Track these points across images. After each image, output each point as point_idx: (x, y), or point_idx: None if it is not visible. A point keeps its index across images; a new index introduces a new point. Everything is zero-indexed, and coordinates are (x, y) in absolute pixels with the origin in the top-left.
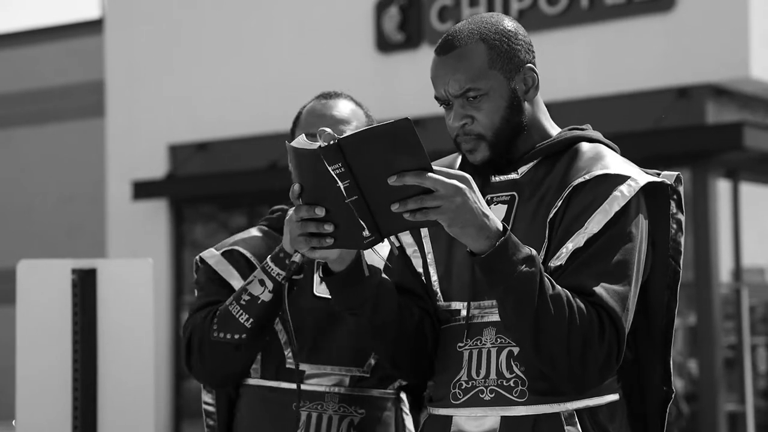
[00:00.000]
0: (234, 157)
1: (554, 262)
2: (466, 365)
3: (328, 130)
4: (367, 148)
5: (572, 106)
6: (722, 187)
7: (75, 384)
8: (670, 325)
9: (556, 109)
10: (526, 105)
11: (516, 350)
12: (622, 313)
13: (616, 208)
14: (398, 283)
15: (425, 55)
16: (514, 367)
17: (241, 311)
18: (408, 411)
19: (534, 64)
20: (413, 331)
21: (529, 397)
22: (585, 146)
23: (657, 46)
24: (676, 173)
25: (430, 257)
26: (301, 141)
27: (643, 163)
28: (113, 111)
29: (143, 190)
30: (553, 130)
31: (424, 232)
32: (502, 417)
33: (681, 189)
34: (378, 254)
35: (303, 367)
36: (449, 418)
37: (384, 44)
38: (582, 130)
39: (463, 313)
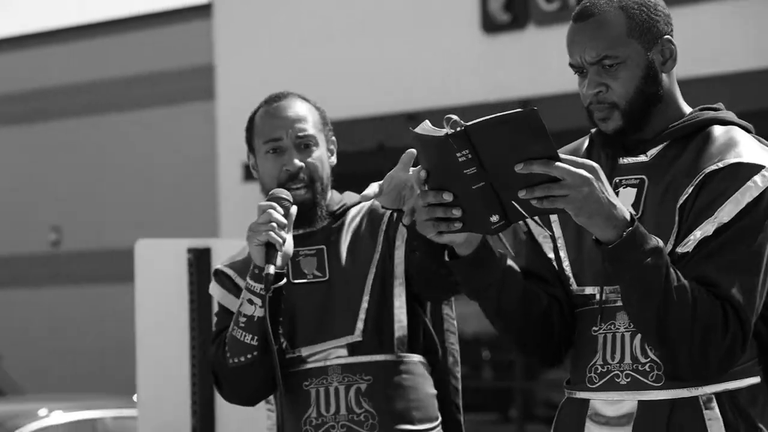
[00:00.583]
0: (342, 138)
1: (681, 249)
2: (600, 349)
3: (455, 117)
4: (495, 135)
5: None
6: None
7: (193, 360)
8: None
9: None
10: (663, 77)
11: None
12: (748, 306)
13: (749, 198)
14: (526, 268)
15: (531, 36)
16: (648, 351)
17: (243, 332)
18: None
19: (672, 37)
20: (540, 316)
21: (666, 381)
22: (718, 130)
23: None
24: None
25: (560, 242)
26: (426, 127)
27: None
28: (222, 94)
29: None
30: (686, 107)
31: (554, 217)
32: (639, 401)
33: None
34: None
35: (302, 350)
36: (586, 401)
37: (490, 25)
38: (714, 110)
39: (597, 297)
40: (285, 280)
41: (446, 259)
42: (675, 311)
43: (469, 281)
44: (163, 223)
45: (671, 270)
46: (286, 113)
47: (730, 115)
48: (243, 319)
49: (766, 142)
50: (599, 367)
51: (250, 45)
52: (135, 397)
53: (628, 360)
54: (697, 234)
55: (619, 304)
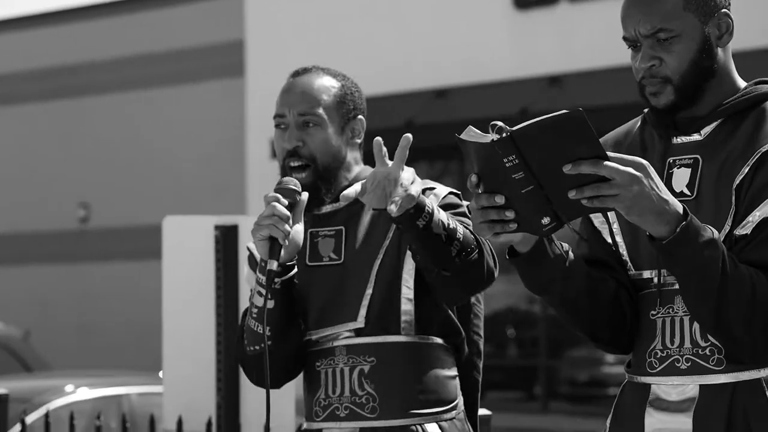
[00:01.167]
0: (371, 115)
1: (739, 231)
2: (660, 333)
3: (500, 123)
4: (541, 139)
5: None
6: None
7: (218, 338)
8: None
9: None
10: (718, 51)
11: None
12: None
13: None
14: (591, 256)
15: (563, 12)
16: (708, 335)
17: (256, 323)
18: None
19: (729, 11)
20: (609, 303)
21: (727, 365)
22: None
23: None
24: None
25: (615, 227)
26: (471, 133)
27: None
28: (252, 71)
29: None
30: (741, 82)
31: None
32: (701, 386)
33: None
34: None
35: (312, 334)
36: (647, 386)
37: (521, 1)
38: None
39: (655, 281)
40: (294, 271)
41: (507, 256)
42: (733, 300)
43: (531, 277)
44: (191, 199)
45: (728, 259)
46: (295, 90)
47: None
48: (255, 310)
49: None
50: (659, 351)
51: (280, 21)
52: (161, 374)
53: (687, 344)
54: (756, 215)
55: (677, 287)
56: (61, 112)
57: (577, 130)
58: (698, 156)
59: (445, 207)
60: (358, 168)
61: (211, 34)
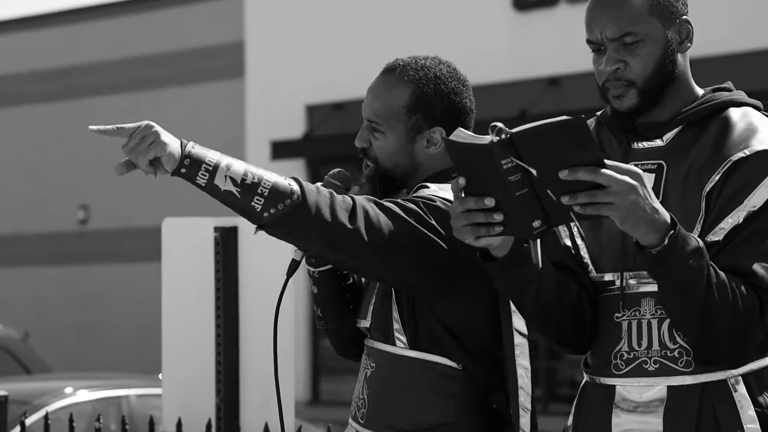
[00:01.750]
0: None
1: (711, 238)
2: (625, 336)
3: (500, 124)
4: (540, 143)
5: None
6: None
7: (218, 339)
8: None
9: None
10: (679, 57)
11: None
12: None
13: None
14: (551, 259)
15: (563, 13)
16: (677, 337)
17: (315, 305)
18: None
19: (689, 18)
20: (573, 306)
21: (696, 366)
22: (735, 113)
23: None
24: None
25: (575, 229)
26: (461, 135)
27: None
28: (252, 72)
29: (281, 150)
30: (698, 89)
31: None
32: (669, 387)
33: None
34: None
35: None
36: (612, 387)
37: (521, 2)
38: (727, 90)
39: (617, 283)
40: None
41: (481, 260)
42: (716, 308)
43: (509, 281)
44: (191, 201)
45: (711, 268)
46: (371, 91)
47: (743, 96)
48: (311, 294)
49: None
50: (625, 353)
51: (280, 23)
52: (160, 376)
53: (656, 346)
54: (728, 222)
55: (643, 290)
56: (61, 113)
57: (577, 137)
58: (662, 161)
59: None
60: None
61: (211, 35)
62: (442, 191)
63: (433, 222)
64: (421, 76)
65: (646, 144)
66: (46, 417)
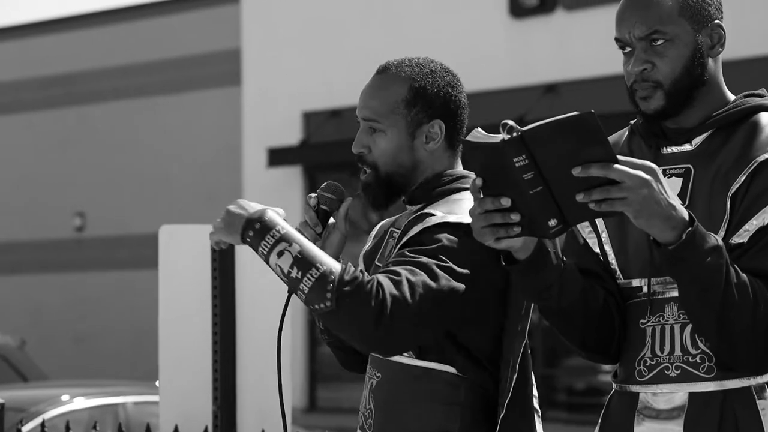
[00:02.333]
0: None
1: (735, 240)
2: (649, 342)
3: (511, 122)
4: (551, 140)
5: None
6: None
7: (215, 347)
8: None
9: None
10: (709, 61)
11: None
12: None
13: None
14: (578, 265)
15: (559, 20)
16: (699, 343)
17: (317, 320)
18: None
19: (722, 23)
20: (599, 311)
21: (717, 372)
22: (765, 117)
23: None
24: None
25: (604, 236)
26: (477, 135)
27: None
28: (249, 79)
29: (278, 157)
30: (729, 94)
31: None
32: (690, 393)
33: None
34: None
35: None
36: (636, 395)
37: (517, 9)
38: (760, 96)
39: (645, 289)
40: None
41: (503, 263)
42: (736, 309)
43: (530, 284)
44: (187, 208)
45: (731, 267)
46: (366, 91)
47: None
48: None
49: None
50: (648, 359)
51: (276, 30)
52: (157, 383)
53: (678, 352)
54: (753, 224)
55: (668, 295)
56: (58, 120)
57: (587, 132)
58: (690, 165)
59: (415, 240)
60: (441, 169)
61: (208, 42)
62: (450, 216)
63: (449, 264)
64: (417, 71)
65: (675, 149)
66: (42, 424)
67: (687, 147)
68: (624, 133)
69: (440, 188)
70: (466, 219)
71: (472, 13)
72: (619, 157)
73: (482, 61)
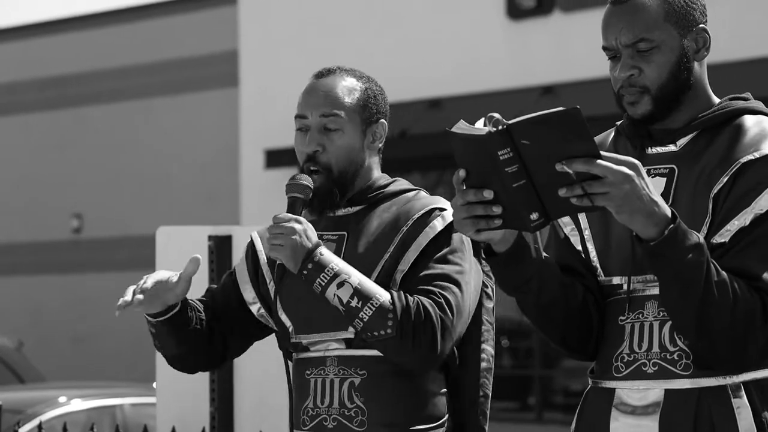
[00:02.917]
0: None
1: (717, 239)
2: (627, 338)
3: (497, 115)
4: (536, 134)
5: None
6: None
7: None
8: None
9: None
10: (695, 65)
11: None
12: None
13: None
14: (558, 262)
15: (557, 22)
16: (677, 340)
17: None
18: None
19: (707, 26)
20: (579, 308)
21: (694, 370)
22: (749, 120)
23: None
24: None
25: (587, 233)
26: (462, 126)
27: None
28: (246, 80)
29: (275, 158)
30: (714, 97)
31: None
32: (666, 390)
33: None
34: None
35: (300, 338)
36: (612, 390)
37: (515, 11)
38: (744, 99)
39: (625, 287)
40: (170, 314)
41: (482, 256)
42: (715, 307)
43: (509, 277)
44: (185, 209)
45: (712, 265)
46: (317, 91)
47: (760, 105)
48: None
49: None
50: (626, 356)
51: (274, 31)
52: (154, 385)
53: (656, 349)
54: (735, 224)
55: (648, 293)
56: (55, 121)
57: (572, 127)
58: (674, 166)
59: (439, 244)
60: (377, 174)
61: (205, 44)
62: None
63: (464, 265)
64: (360, 74)
65: (660, 149)
66: (39, 426)
67: (672, 148)
68: (610, 133)
69: (385, 190)
70: None
71: (469, 15)
72: (602, 153)
73: (480, 63)
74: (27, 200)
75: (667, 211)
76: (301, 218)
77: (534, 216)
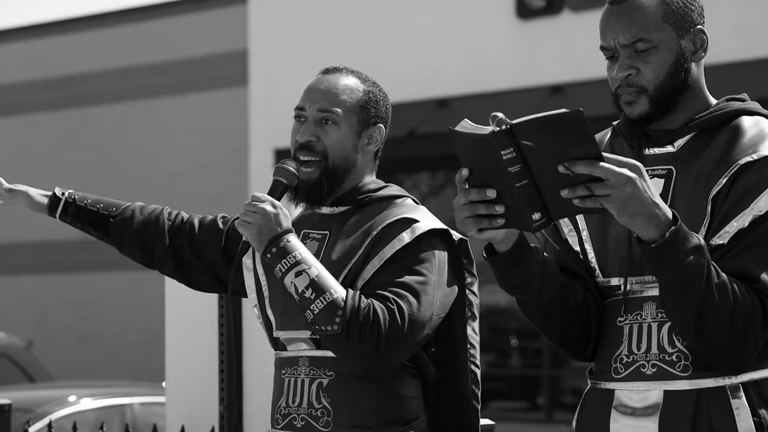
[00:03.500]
0: None
1: (716, 241)
2: (626, 340)
3: (501, 115)
4: (539, 134)
5: (715, 71)
6: None
7: (221, 347)
8: None
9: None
10: (693, 66)
11: None
12: None
13: None
14: (558, 263)
15: (566, 22)
16: (676, 341)
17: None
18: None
19: (704, 28)
20: (578, 309)
21: (693, 371)
22: (747, 121)
23: None
24: None
25: (585, 234)
26: (466, 125)
27: None
28: (256, 80)
29: (285, 158)
30: (711, 98)
31: None
32: (665, 391)
33: None
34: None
35: (278, 333)
36: (611, 392)
37: (524, 10)
38: (741, 101)
39: (622, 288)
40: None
41: (483, 255)
42: (715, 307)
43: (510, 277)
44: (194, 208)
45: (712, 267)
46: (319, 86)
47: (757, 106)
48: None
49: None
50: (624, 357)
51: (283, 31)
52: (164, 384)
53: (654, 350)
54: (734, 225)
55: (646, 294)
56: (64, 121)
57: (575, 129)
58: (672, 167)
59: (405, 254)
60: (370, 177)
61: (214, 43)
62: (430, 221)
63: (430, 276)
64: (365, 77)
65: (657, 150)
66: (49, 425)
67: (669, 149)
68: (606, 133)
69: (373, 194)
70: (441, 224)
71: (478, 14)
72: (605, 155)
73: (489, 63)
74: None
75: (669, 213)
76: (277, 202)
77: (536, 216)
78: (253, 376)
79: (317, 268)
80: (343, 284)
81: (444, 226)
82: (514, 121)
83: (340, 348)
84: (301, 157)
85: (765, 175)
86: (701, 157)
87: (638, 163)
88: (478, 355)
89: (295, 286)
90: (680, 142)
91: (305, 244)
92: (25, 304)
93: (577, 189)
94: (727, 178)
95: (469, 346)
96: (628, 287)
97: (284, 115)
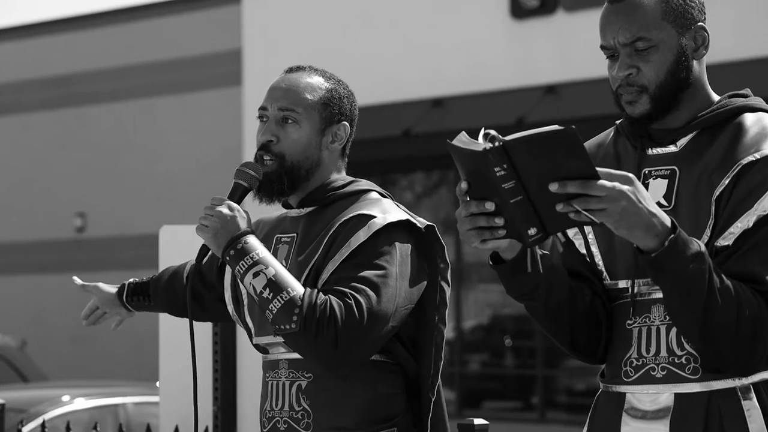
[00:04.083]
0: (368, 125)
1: (720, 242)
2: (635, 343)
3: (493, 132)
4: (532, 152)
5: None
6: None
7: (215, 347)
8: None
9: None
10: (694, 63)
11: None
12: None
13: None
14: (565, 266)
15: (560, 21)
16: (685, 344)
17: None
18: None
19: (705, 25)
20: (587, 312)
21: (703, 373)
22: (749, 118)
23: None
24: None
25: (591, 237)
26: (463, 139)
27: None
28: (250, 79)
29: None
30: (714, 95)
31: None
32: (675, 394)
33: None
34: None
35: (257, 340)
36: (622, 395)
37: (518, 10)
38: (744, 96)
39: (630, 290)
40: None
41: (490, 264)
42: (719, 313)
43: (516, 284)
44: (188, 209)
45: (714, 272)
46: (281, 85)
47: (760, 102)
48: None
49: None
50: (634, 360)
51: (278, 30)
52: (157, 384)
53: (663, 353)
54: (738, 227)
55: (653, 296)
56: (58, 121)
57: (567, 147)
58: (675, 167)
59: (364, 249)
60: (338, 175)
61: (208, 43)
62: (388, 214)
63: (391, 268)
64: (330, 75)
65: (660, 150)
66: (43, 425)
67: (672, 148)
68: (609, 133)
69: (338, 191)
70: (402, 215)
71: (473, 14)
72: (597, 169)
73: (483, 63)
74: (29, 200)
75: (667, 221)
76: (234, 205)
77: (532, 231)
78: (247, 376)
79: (275, 268)
80: (306, 284)
81: (406, 217)
82: (507, 138)
83: (300, 347)
84: (264, 156)
85: (767, 175)
86: (704, 156)
87: (631, 175)
88: (443, 344)
89: (253, 286)
90: (683, 141)
91: (277, 248)
92: (21, 303)
93: (572, 204)
94: (729, 179)
95: (436, 332)
96: (636, 290)
97: None
